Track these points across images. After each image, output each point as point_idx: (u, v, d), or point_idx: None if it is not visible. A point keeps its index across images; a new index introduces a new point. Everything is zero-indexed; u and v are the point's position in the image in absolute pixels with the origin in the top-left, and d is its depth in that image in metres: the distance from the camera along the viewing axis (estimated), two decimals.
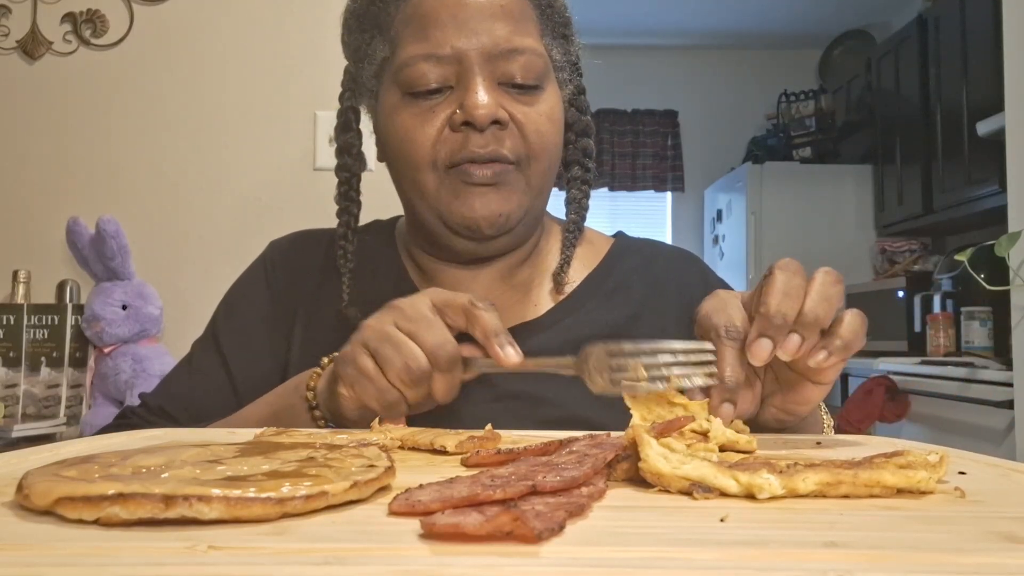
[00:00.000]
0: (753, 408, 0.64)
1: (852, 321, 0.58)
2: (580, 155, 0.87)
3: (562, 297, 0.85)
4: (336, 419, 0.68)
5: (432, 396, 0.63)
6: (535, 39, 0.78)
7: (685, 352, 0.58)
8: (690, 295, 0.86)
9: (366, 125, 0.87)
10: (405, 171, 0.78)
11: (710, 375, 0.57)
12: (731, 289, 0.90)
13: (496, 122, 0.74)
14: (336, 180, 0.87)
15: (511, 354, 0.61)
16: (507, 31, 0.75)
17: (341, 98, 0.86)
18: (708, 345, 0.59)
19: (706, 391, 0.58)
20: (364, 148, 0.87)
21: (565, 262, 0.84)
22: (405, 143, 0.76)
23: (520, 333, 0.81)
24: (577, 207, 0.87)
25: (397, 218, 0.96)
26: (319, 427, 0.68)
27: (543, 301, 0.85)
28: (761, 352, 0.55)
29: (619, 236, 0.94)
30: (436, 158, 0.75)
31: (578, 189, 0.88)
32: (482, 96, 0.73)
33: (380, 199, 0.98)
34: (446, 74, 0.75)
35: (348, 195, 0.87)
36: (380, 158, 0.85)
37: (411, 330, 0.62)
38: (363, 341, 0.63)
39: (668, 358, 0.57)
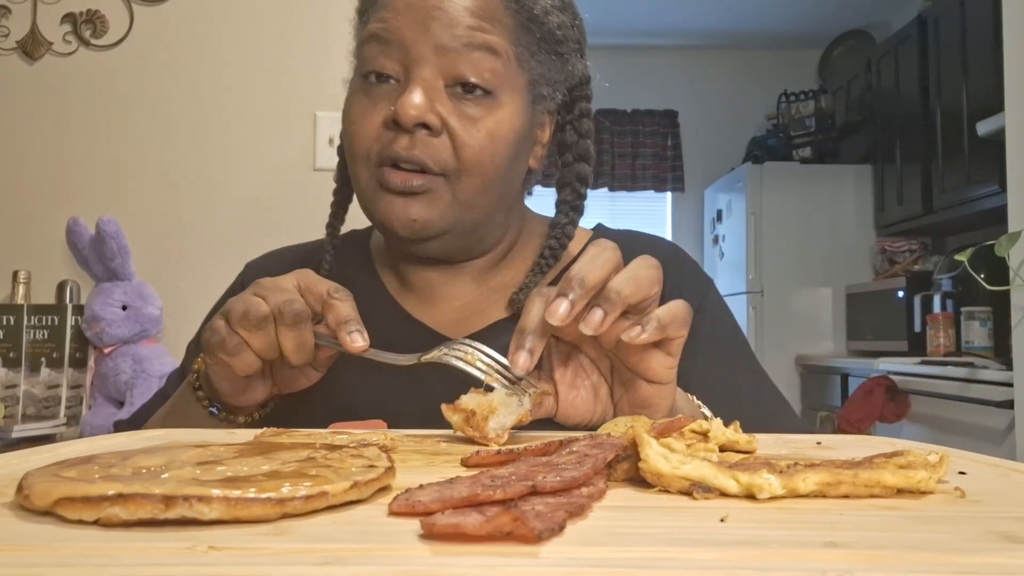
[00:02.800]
0: (591, 408, 0.63)
1: (672, 306, 0.58)
2: (573, 179, 0.83)
3: (517, 303, 0.82)
4: (215, 396, 0.71)
5: (286, 357, 0.64)
6: (501, 43, 0.74)
7: (515, 376, 0.61)
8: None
9: None
10: (348, 159, 0.78)
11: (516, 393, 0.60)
12: (712, 283, 0.90)
13: (426, 126, 0.71)
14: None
15: (356, 339, 0.63)
16: (464, 28, 0.72)
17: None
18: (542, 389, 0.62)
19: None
20: None
21: (526, 286, 0.81)
22: (349, 131, 0.76)
23: (492, 332, 0.80)
24: (560, 233, 0.83)
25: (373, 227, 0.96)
26: (204, 408, 0.72)
27: (517, 299, 0.83)
28: (555, 310, 0.54)
29: (598, 228, 0.91)
30: (370, 154, 0.74)
31: (565, 215, 0.84)
32: (415, 96, 0.70)
33: None
34: (394, 64, 0.73)
35: (346, 172, 0.86)
36: None
37: (262, 294, 0.64)
38: (220, 310, 0.66)
39: (493, 364, 0.62)
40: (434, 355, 0.63)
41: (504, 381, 0.61)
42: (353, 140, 0.75)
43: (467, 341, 0.64)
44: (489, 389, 0.60)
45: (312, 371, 0.70)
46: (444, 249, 0.79)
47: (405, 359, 0.65)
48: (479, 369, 0.61)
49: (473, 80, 0.72)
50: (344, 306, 0.64)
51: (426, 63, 0.72)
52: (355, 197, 0.88)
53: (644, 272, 0.57)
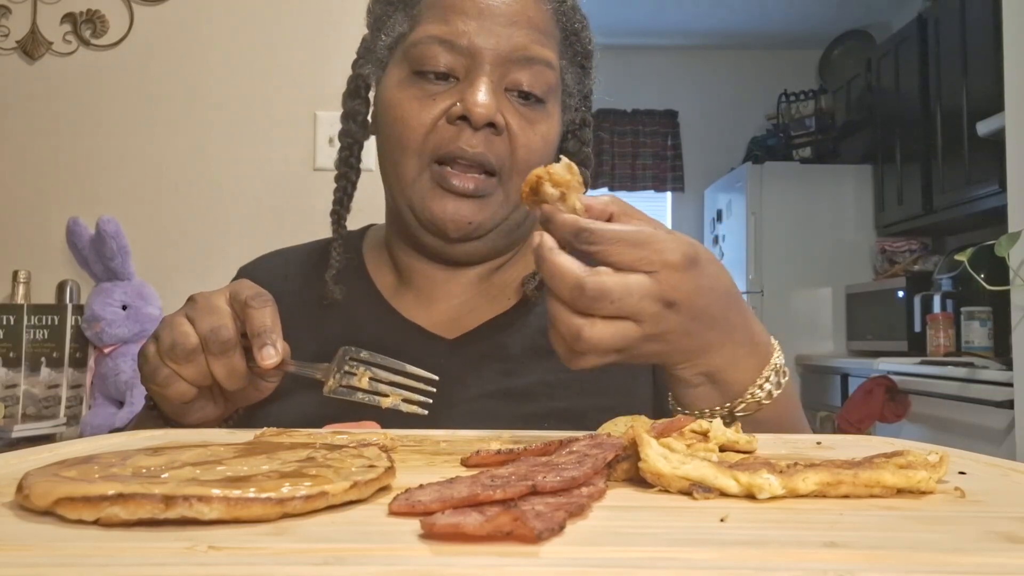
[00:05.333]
0: None
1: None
2: None
3: (528, 292, 0.84)
4: (167, 417, 0.70)
5: (219, 383, 0.64)
6: (554, 57, 0.78)
7: (413, 377, 0.64)
8: None
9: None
10: (391, 151, 0.78)
11: (424, 405, 0.63)
12: None
13: (491, 125, 0.74)
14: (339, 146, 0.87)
15: (266, 355, 0.61)
16: (527, 39, 0.75)
17: (354, 65, 0.86)
18: (433, 377, 0.64)
19: None
20: (369, 118, 0.87)
21: (535, 276, 0.83)
22: (399, 123, 0.76)
23: (486, 330, 0.81)
24: None
25: (367, 228, 0.96)
26: (161, 428, 0.71)
27: (513, 296, 0.84)
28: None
29: None
30: (424, 147, 0.75)
31: None
32: (484, 95, 0.73)
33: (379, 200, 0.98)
34: (456, 64, 0.75)
35: (348, 161, 0.87)
36: (372, 130, 0.85)
37: (193, 316, 0.63)
38: (153, 332, 0.66)
39: (393, 377, 0.64)
40: (331, 386, 0.64)
41: (400, 391, 0.63)
42: (405, 131, 0.76)
43: (352, 353, 0.64)
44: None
45: (262, 383, 0.68)
46: (482, 250, 0.81)
47: (320, 372, 0.65)
48: (379, 393, 0.63)
49: (533, 91, 0.76)
50: (258, 315, 0.62)
51: (491, 67, 0.75)
52: (358, 186, 0.88)
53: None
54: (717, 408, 0.62)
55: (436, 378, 0.65)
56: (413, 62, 0.76)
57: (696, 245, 0.58)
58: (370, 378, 0.64)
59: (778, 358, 0.64)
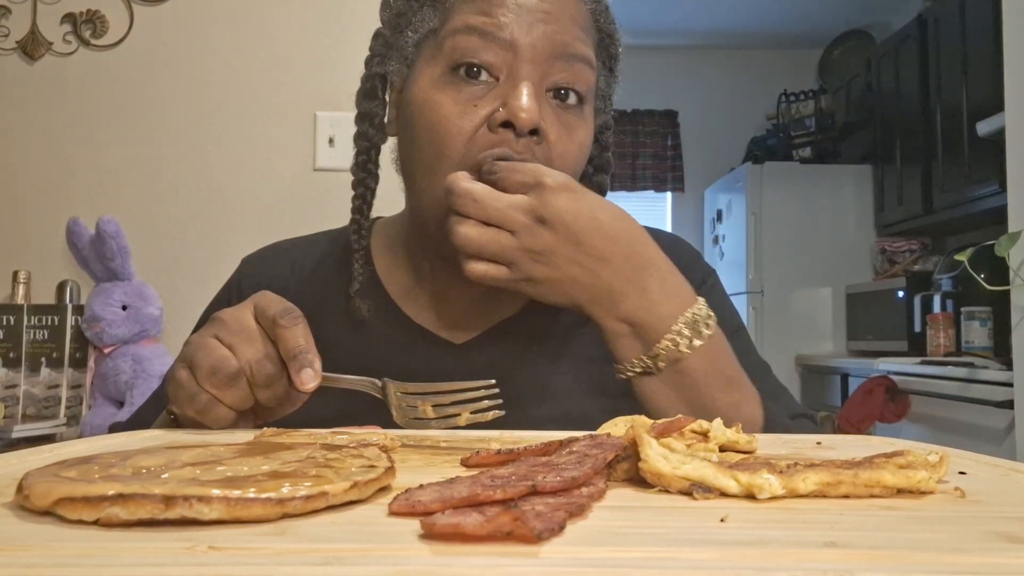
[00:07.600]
0: None
1: None
2: (595, 189, 0.83)
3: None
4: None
5: (263, 405, 0.62)
6: (593, 55, 0.75)
7: (470, 389, 0.62)
8: None
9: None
10: (425, 158, 0.73)
11: (497, 407, 0.60)
12: (714, 273, 0.90)
13: (535, 132, 0.71)
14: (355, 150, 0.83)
15: (306, 379, 0.59)
16: (570, 36, 0.72)
17: (368, 63, 0.81)
18: (490, 382, 0.62)
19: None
20: (386, 119, 0.83)
21: None
22: (438, 130, 0.71)
23: (493, 335, 0.81)
24: None
25: (372, 223, 0.92)
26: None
27: (520, 300, 0.82)
28: None
29: None
30: (465, 158, 0.71)
31: None
32: (528, 99, 0.69)
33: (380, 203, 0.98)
34: (497, 61, 0.71)
35: (366, 166, 0.82)
36: (391, 131, 0.81)
37: (231, 343, 0.60)
38: (182, 355, 0.62)
39: (454, 396, 0.62)
40: (403, 421, 0.60)
41: (466, 405, 0.61)
42: (445, 139, 0.71)
43: (401, 388, 0.61)
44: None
45: (296, 395, 0.65)
46: None
47: (366, 386, 0.62)
48: (451, 415, 0.60)
49: (576, 89, 0.73)
50: (290, 335, 0.59)
51: (533, 66, 0.71)
52: (376, 185, 0.84)
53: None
54: (641, 359, 0.65)
55: (492, 381, 0.62)
56: (450, 55, 0.71)
57: (584, 190, 0.66)
58: (432, 405, 0.61)
59: (700, 309, 0.67)
